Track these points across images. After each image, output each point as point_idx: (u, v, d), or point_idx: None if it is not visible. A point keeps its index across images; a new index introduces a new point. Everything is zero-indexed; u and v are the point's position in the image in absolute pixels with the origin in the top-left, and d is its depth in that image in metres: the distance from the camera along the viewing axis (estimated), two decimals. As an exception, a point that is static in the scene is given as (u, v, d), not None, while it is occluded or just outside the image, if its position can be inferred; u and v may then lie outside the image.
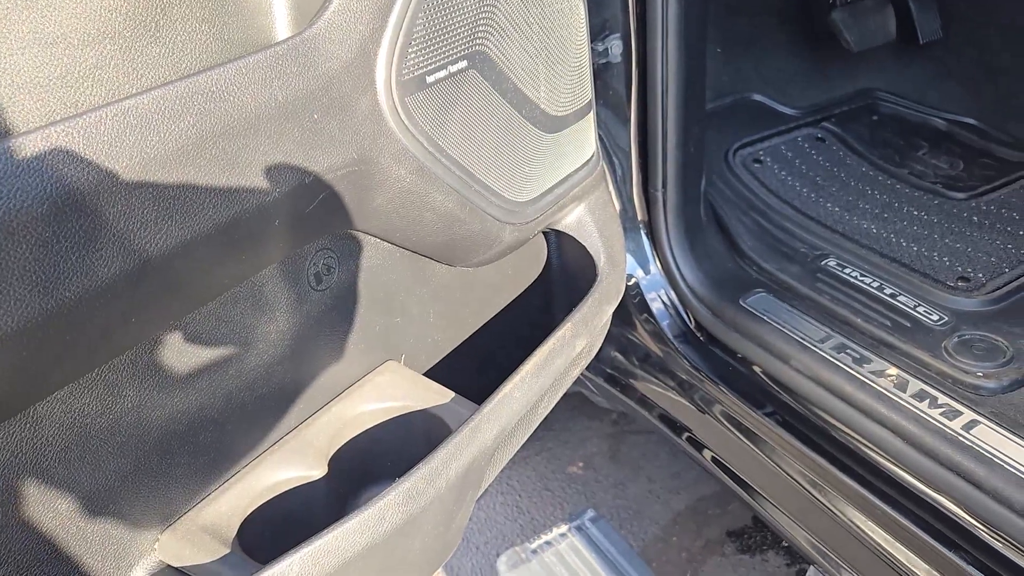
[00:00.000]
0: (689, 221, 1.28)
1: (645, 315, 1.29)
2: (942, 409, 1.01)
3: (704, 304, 1.25)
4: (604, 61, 1.20)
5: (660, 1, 1.12)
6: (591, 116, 0.96)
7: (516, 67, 0.80)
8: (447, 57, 0.72)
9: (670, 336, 1.27)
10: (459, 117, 0.75)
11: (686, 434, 1.32)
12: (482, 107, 0.77)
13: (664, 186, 1.25)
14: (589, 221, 0.97)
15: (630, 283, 1.30)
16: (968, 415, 0.99)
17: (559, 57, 0.86)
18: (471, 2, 0.73)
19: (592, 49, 1.19)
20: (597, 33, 1.19)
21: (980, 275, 1.22)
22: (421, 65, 0.69)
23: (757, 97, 1.66)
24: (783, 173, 1.50)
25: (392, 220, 0.74)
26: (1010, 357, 1.07)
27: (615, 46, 1.20)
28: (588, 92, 0.95)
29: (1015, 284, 1.19)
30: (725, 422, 1.22)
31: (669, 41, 1.15)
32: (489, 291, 0.97)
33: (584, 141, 0.95)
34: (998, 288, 1.19)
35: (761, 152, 1.55)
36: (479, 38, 0.75)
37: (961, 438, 0.96)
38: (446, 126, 0.74)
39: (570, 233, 0.97)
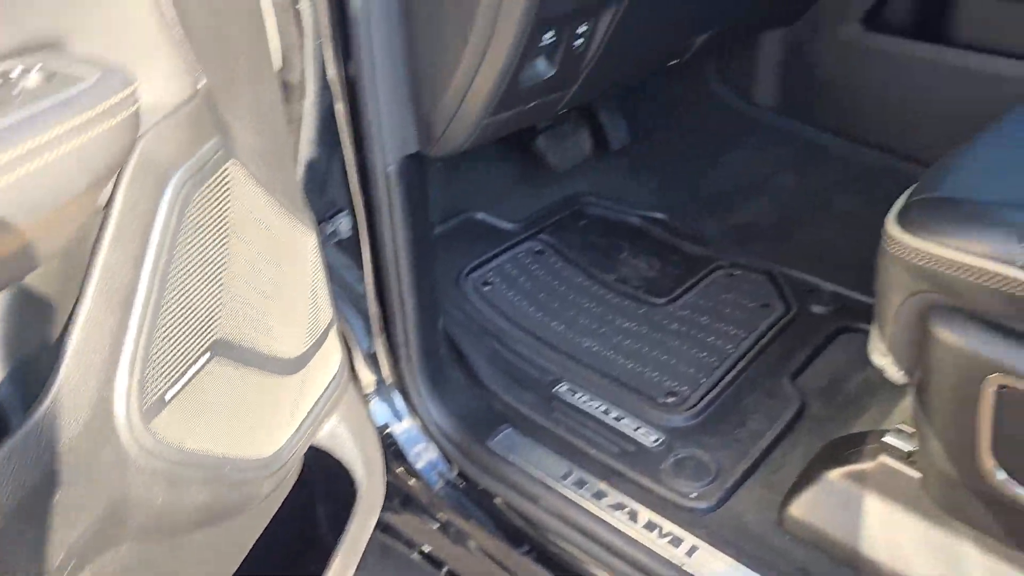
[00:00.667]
0: (433, 366, 1.35)
1: (404, 464, 1.34)
2: (668, 537, 1.17)
3: (458, 449, 1.32)
4: (336, 240, 1.23)
5: (382, 179, 1.17)
6: (333, 331, 0.99)
7: (256, 334, 0.81)
8: (188, 361, 0.72)
9: (429, 482, 1.33)
10: (207, 410, 0.75)
11: (446, 567, 1.40)
12: (229, 388, 0.78)
13: (406, 338, 1.30)
14: (343, 432, 1.00)
15: (385, 433, 1.34)
16: (689, 540, 1.16)
17: (296, 305, 0.88)
18: (203, 299, 0.73)
19: (321, 231, 1.22)
20: (324, 214, 1.22)
21: (684, 388, 1.42)
22: (161, 385, 0.69)
23: (480, 215, 1.77)
24: (511, 293, 1.62)
25: (149, 530, 0.72)
26: (715, 473, 1.26)
27: (344, 223, 1.23)
28: (329, 313, 0.97)
29: (711, 395, 1.40)
30: (486, 560, 1.31)
31: (395, 214, 1.20)
32: (247, 518, 0.97)
33: (329, 358, 0.98)
34: (699, 401, 1.39)
35: (490, 273, 1.66)
36: (216, 328, 0.75)
37: (684, 566, 1.13)
38: (195, 426, 0.73)
39: (326, 448, 0.99)
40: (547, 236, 1.77)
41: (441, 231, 1.71)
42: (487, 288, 1.63)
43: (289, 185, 0.91)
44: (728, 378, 1.43)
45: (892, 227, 0.95)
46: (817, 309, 1.59)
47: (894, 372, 1.00)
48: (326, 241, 1.24)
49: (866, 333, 1.49)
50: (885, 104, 1.66)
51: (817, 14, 1.64)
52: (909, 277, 0.92)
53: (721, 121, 1.90)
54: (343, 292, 1.29)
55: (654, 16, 1.20)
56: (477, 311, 1.57)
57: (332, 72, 1.10)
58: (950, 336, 0.90)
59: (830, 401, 1.39)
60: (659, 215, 1.87)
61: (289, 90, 1.14)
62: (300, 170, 1.14)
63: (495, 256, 1.70)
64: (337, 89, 1.11)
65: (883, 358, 1.01)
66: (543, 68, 1.12)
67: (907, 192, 1.03)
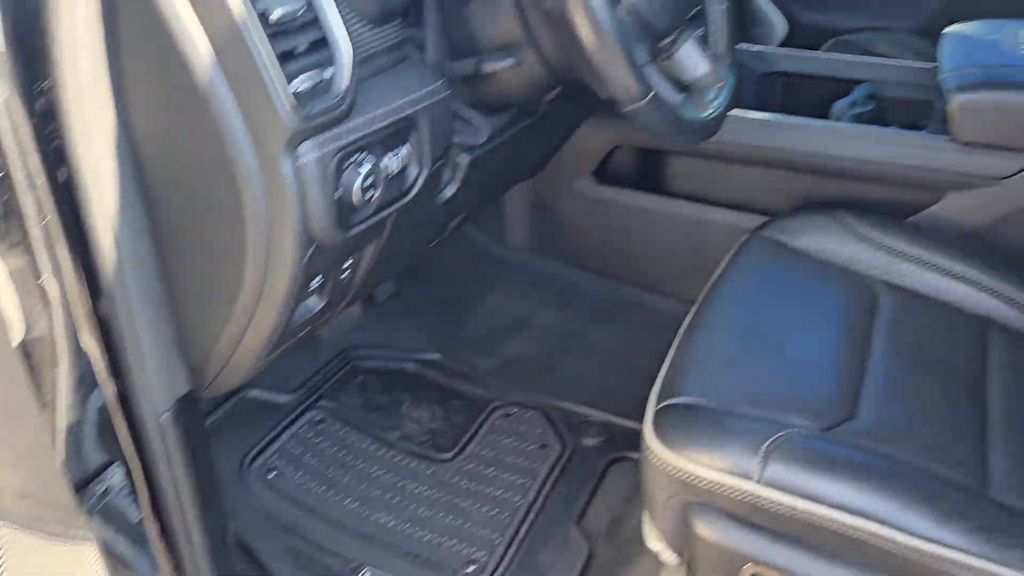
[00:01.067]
0: (229, 589, 1.30)
1: None
2: None
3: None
4: (109, 496, 1.16)
5: (155, 429, 1.12)
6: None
7: None
8: None
9: None
10: None
11: None
12: None
13: (198, 574, 1.25)
14: None
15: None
16: None
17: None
18: None
19: (92, 492, 1.15)
20: (93, 472, 1.15)
21: (482, 554, 1.48)
22: None
23: (253, 392, 1.73)
24: (298, 476, 1.60)
25: None
26: (524, 649, 1.33)
27: (116, 476, 1.17)
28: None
29: (507, 557, 1.47)
30: None
31: (174, 461, 1.15)
32: None
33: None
34: (497, 566, 1.46)
35: (273, 457, 1.63)
36: None
37: None
38: None
39: None
40: (327, 402, 1.77)
41: (214, 419, 1.65)
42: (273, 475, 1.59)
43: (59, 500, 0.86)
44: (520, 534, 1.52)
45: (648, 437, 1.07)
46: (589, 442, 1.72)
47: (668, 556, 1.13)
48: (99, 500, 1.16)
49: (635, 461, 1.66)
50: (621, 245, 1.85)
51: (554, 169, 1.79)
52: (667, 482, 1.04)
53: (480, 264, 2.00)
54: (125, 542, 1.22)
55: (415, 230, 1.26)
56: (266, 505, 1.53)
57: (87, 335, 1.05)
58: (708, 532, 1.03)
59: (613, 541, 1.51)
60: (433, 356, 1.93)
61: (37, 357, 1.07)
62: (61, 441, 1.07)
63: (276, 436, 1.66)
64: (94, 351, 1.06)
65: (657, 543, 1.13)
66: (314, 303, 1.14)
67: (658, 383, 1.17)
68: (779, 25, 2.91)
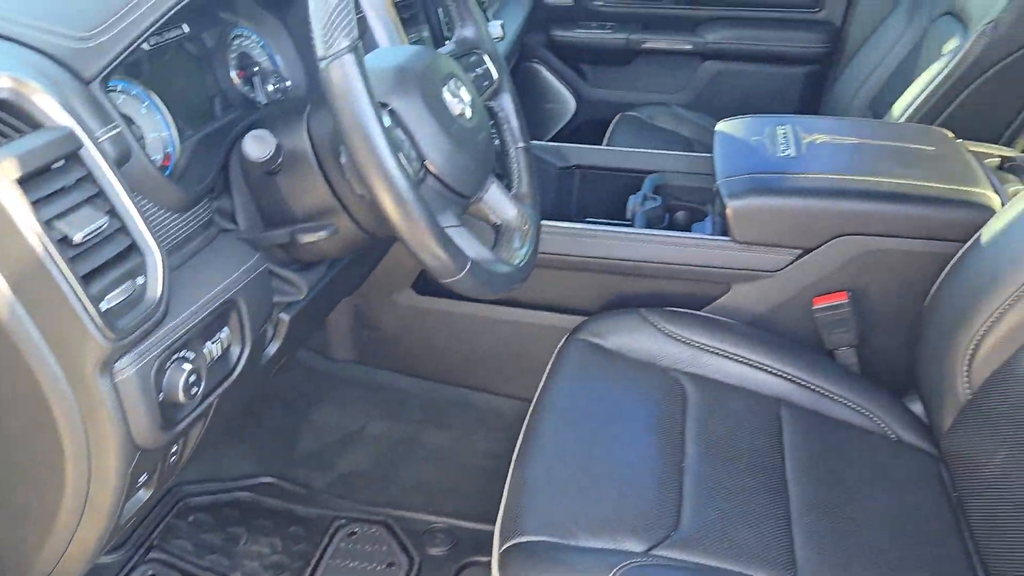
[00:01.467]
0: None
1: None
2: None
3: None
4: None
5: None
6: None
7: None
8: None
9: None
10: None
11: None
12: None
13: None
14: None
15: None
16: None
17: None
18: None
19: None
20: None
21: None
22: None
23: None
24: (135, 645, 1.51)
25: None
26: None
27: None
28: None
29: None
30: None
31: None
32: None
33: None
34: None
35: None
36: None
37: None
38: None
39: None
40: (157, 553, 1.68)
41: None
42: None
43: None
44: (378, 668, 1.51)
45: (497, 582, 1.11)
46: (435, 551, 1.74)
47: None
48: None
49: (485, 564, 1.70)
50: (446, 350, 1.90)
51: (374, 283, 1.81)
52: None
53: (306, 380, 1.98)
54: None
55: (241, 395, 1.24)
56: None
57: None
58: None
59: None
60: (267, 480, 1.88)
61: None
62: None
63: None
64: None
65: None
66: (142, 495, 1.10)
67: (499, 520, 1.22)
68: (569, 101, 3.11)
